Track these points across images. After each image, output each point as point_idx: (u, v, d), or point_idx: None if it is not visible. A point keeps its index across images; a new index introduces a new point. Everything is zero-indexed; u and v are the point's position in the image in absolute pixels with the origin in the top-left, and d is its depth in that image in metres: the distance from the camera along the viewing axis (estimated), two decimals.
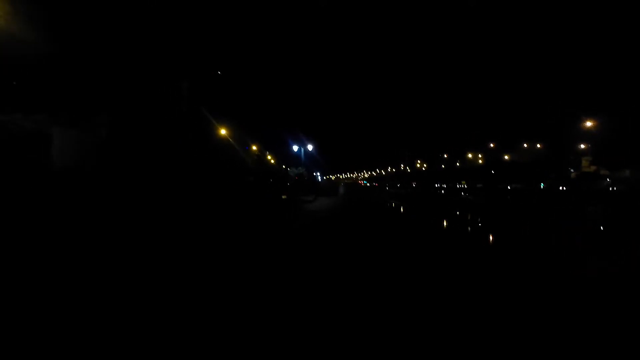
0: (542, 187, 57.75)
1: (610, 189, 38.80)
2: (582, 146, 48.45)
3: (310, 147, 38.24)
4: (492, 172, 67.74)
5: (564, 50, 75.20)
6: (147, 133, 28.36)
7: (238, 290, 5.72)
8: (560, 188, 52.77)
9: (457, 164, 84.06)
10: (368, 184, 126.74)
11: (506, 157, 66.29)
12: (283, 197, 32.14)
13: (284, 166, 56.03)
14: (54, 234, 9.33)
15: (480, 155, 74.49)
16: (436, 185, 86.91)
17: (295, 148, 38.55)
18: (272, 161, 67.71)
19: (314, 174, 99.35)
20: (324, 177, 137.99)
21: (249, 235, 11.48)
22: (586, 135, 43.44)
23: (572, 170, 52.11)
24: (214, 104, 45.20)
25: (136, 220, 12.27)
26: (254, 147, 53.35)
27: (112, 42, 18.87)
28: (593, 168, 41.67)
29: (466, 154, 78.18)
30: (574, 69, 63.29)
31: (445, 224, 17.88)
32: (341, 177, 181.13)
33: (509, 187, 60.34)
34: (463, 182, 75.88)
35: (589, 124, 38.33)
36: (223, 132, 34.60)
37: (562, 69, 70.33)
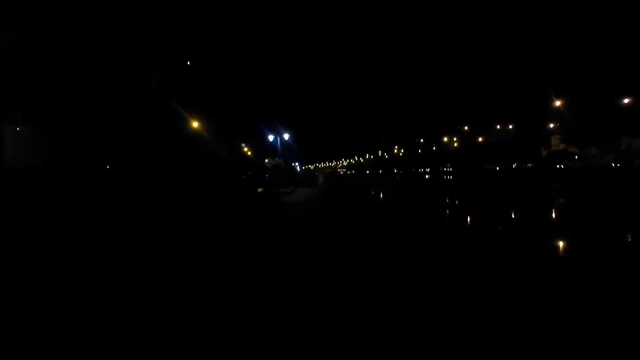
0: (513, 167, 59.44)
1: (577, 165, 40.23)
2: (551, 125, 49.83)
3: (286, 137, 36.41)
4: (464, 154, 69.00)
5: (533, 32, 76.74)
6: (110, 128, 27.15)
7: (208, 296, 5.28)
8: (529, 166, 54.63)
9: (434, 148, 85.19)
10: (347, 172, 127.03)
11: (480, 139, 67.55)
12: (259, 190, 30.28)
13: (263, 158, 55.10)
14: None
15: (455, 139, 75.61)
16: (420, 170, 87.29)
17: (271, 138, 36.52)
18: (249, 153, 66.64)
19: (293, 164, 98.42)
20: (303, 167, 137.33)
21: (222, 237, 10.30)
22: (556, 115, 44.58)
23: (543, 149, 53.58)
24: (185, 95, 43.76)
25: (93, 222, 11.51)
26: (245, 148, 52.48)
27: (69, 32, 17.69)
28: (562, 146, 42.90)
29: (442, 137, 79.23)
30: (543, 51, 64.58)
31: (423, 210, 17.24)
32: (320, 166, 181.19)
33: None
34: (448, 165, 75.66)
35: (557, 103, 39.24)
36: (195, 124, 33.40)
37: (532, 50, 71.70)
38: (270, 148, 39.91)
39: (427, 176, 67.86)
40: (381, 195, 28.12)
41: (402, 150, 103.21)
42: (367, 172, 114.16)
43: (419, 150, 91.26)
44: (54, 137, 16.94)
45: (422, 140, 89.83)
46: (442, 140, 79.26)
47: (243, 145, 64.47)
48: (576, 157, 45.98)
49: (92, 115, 25.39)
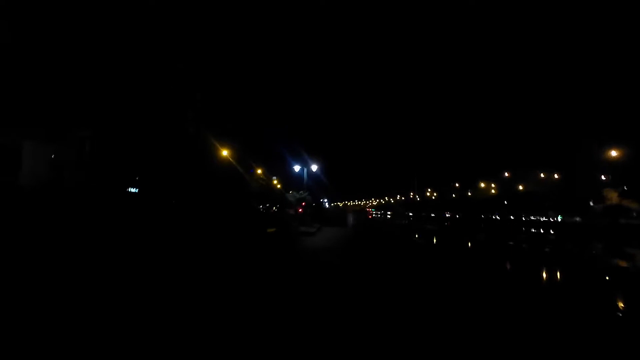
0: (559, 219, 54.83)
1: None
2: (604, 177, 45.77)
3: (314, 168, 30.80)
4: (505, 202, 64.72)
5: (582, 75, 73.92)
6: (142, 151, 26.92)
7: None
8: (577, 220, 49.86)
9: (469, 193, 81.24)
10: (378, 214, 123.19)
11: (521, 187, 63.50)
12: (269, 230, 23.65)
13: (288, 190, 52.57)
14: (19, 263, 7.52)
15: (493, 185, 71.77)
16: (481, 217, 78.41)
17: (297, 168, 31.00)
18: (279, 186, 65.74)
19: (321, 200, 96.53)
20: (332, 204, 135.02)
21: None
22: (609, 165, 40.83)
23: (591, 204, 49.15)
24: (216, 122, 44.06)
25: (113, 248, 10.29)
26: (259, 171, 51.59)
27: (98, 47, 17.64)
28: (623, 201, 38.48)
29: (478, 182, 75.55)
30: (592, 96, 61.51)
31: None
32: (349, 204, 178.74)
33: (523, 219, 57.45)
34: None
35: (613, 153, 35.80)
36: (225, 153, 32.71)
37: (580, 96, 68.68)
38: (296, 179, 35.36)
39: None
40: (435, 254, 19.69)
41: (434, 194, 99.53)
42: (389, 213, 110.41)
43: (453, 195, 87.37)
44: (81, 155, 16.31)
45: (457, 185, 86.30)
46: (479, 185, 75.50)
47: (274, 178, 63.66)
48: (635, 213, 41.48)
49: (124, 134, 25.27)
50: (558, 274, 12.61)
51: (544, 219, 56.76)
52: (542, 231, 41.58)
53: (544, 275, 12.44)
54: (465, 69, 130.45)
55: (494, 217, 65.54)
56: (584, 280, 11.56)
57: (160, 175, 25.21)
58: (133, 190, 24.30)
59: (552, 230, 43.07)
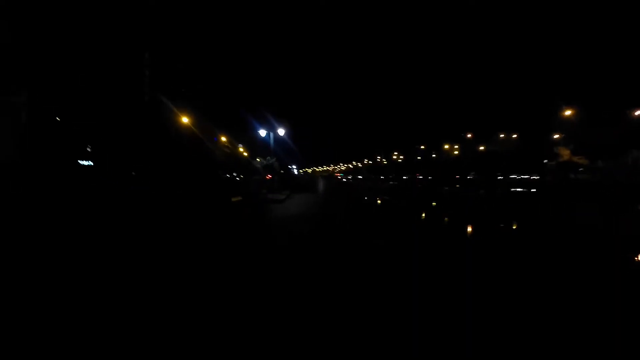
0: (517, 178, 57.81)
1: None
2: (556, 136, 48.18)
3: (281, 132, 29.78)
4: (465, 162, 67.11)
5: (540, 36, 75.76)
6: (96, 120, 25.17)
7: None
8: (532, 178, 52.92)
9: (433, 155, 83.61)
10: (346, 179, 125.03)
11: (482, 147, 65.95)
12: (234, 199, 21.48)
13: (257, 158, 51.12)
14: None
15: (456, 146, 74.05)
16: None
17: (263, 133, 29.69)
18: (245, 153, 64.46)
19: (289, 167, 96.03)
20: (300, 171, 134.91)
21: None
22: (563, 125, 42.93)
23: (545, 161, 51.95)
24: (180, 90, 41.81)
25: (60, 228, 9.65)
26: (224, 138, 50.09)
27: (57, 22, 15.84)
28: (574, 158, 40.92)
29: (442, 145, 77.65)
30: (551, 58, 63.44)
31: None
32: (317, 170, 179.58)
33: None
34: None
35: (567, 112, 37.53)
36: (185, 120, 31.25)
37: (540, 57, 70.67)
38: (262, 145, 34.31)
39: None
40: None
41: (400, 157, 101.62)
42: (360, 177, 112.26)
43: (418, 157, 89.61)
44: (19, 125, 14.93)
45: (422, 147, 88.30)
46: (443, 148, 77.67)
47: (239, 145, 62.06)
48: (580, 169, 44.36)
49: (76, 106, 23.46)
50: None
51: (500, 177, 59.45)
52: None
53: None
54: (429, 31, 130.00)
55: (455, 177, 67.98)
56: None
57: (114, 146, 23.82)
58: (85, 163, 22.90)
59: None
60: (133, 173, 26.90)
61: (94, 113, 22.77)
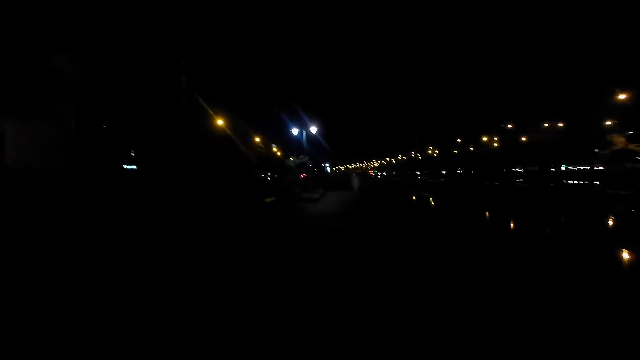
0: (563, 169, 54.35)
1: None
2: (609, 123, 44.62)
3: (314, 130, 28.61)
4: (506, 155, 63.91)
5: (583, 21, 70.83)
6: (134, 126, 26.08)
7: None
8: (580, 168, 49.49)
9: (471, 148, 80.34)
10: (379, 175, 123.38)
11: (524, 138, 62.49)
12: (268, 200, 20.88)
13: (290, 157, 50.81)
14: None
15: (495, 138, 70.72)
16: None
17: (295, 131, 28.63)
18: (278, 153, 64.90)
19: (322, 164, 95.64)
20: (333, 169, 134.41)
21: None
22: (613, 110, 39.66)
23: (596, 150, 48.40)
24: (215, 94, 42.65)
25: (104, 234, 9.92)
26: (257, 139, 50.62)
27: (78, 19, 16.49)
28: (630, 145, 37.57)
29: (480, 137, 74.42)
30: (592, 43, 59.12)
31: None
32: (351, 167, 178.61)
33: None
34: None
35: (621, 96, 34.56)
36: (220, 122, 31.69)
37: (580, 43, 66.04)
38: (294, 144, 32.77)
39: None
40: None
41: (436, 151, 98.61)
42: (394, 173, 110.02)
43: (455, 151, 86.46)
44: (66, 133, 15.62)
45: (459, 140, 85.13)
46: (481, 140, 74.41)
47: (273, 145, 62.56)
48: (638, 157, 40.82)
49: (113, 111, 24.39)
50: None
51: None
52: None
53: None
54: (462, 23, 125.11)
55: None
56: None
57: (156, 152, 24.59)
58: (129, 167, 23.80)
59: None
60: (174, 176, 27.71)
61: (136, 119, 23.62)
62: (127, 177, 22.64)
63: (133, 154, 24.20)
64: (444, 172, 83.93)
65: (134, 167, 23.80)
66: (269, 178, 53.12)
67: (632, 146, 37.46)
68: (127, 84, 25.32)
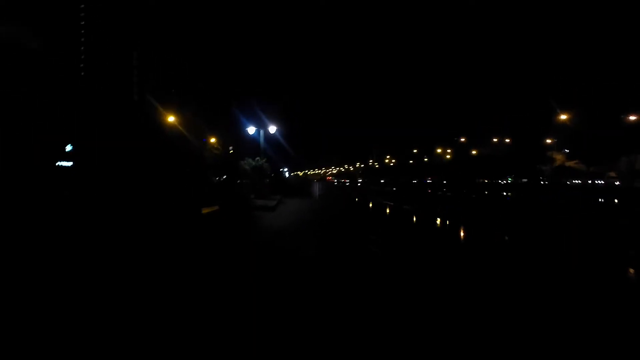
0: (509, 181, 57.72)
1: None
2: (549, 141, 47.92)
3: (272, 130, 26.65)
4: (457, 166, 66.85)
5: (536, 43, 76.11)
6: (75, 124, 23.90)
7: None
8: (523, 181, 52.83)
9: (425, 159, 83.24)
10: (338, 181, 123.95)
11: (474, 151, 65.67)
12: (206, 210, 15.09)
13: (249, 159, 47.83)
14: None
15: (449, 150, 73.77)
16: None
17: (251, 130, 26.23)
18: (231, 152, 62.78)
19: (281, 169, 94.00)
20: (292, 174, 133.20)
21: None
22: (557, 129, 42.65)
23: (541, 165, 51.77)
24: (169, 91, 40.44)
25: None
26: (213, 139, 48.61)
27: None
28: (570, 163, 40.67)
29: (435, 148, 77.27)
30: (546, 64, 63.68)
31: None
32: (309, 172, 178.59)
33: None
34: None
35: (563, 117, 37.18)
36: (171, 119, 29.67)
37: (535, 63, 70.98)
38: (251, 144, 30.14)
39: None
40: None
41: (393, 160, 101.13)
42: (360, 180, 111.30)
43: (410, 161, 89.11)
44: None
45: (415, 151, 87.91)
46: (435, 152, 77.29)
47: (230, 148, 60.50)
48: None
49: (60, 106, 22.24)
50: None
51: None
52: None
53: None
54: (422, 37, 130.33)
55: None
56: None
57: (96, 147, 22.55)
58: (64, 163, 21.59)
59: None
60: (111, 175, 25.31)
61: (71, 108, 21.58)
62: (60, 175, 20.43)
63: (68, 150, 22.02)
64: (401, 180, 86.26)
65: (70, 163, 21.51)
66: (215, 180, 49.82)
67: (570, 163, 40.42)
68: (72, 75, 23.21)
